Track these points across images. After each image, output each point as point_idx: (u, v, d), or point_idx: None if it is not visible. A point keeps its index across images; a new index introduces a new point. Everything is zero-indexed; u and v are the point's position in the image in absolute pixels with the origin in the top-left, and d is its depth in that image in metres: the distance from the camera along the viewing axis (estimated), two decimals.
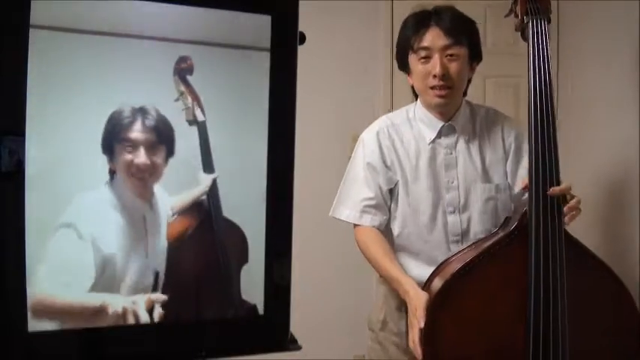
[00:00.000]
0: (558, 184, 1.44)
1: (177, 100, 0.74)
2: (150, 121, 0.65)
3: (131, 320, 0.70)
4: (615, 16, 2.45)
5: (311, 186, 2.24)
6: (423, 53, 1.60)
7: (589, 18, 2.66)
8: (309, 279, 2.35)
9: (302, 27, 0.94)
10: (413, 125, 1.71)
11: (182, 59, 0.73)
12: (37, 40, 0.81)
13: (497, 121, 1.73)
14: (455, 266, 1.47)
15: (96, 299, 0.66)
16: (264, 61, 0.93)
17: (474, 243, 1.57)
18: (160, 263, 0.72)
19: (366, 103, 2.79)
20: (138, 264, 0.68)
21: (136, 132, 0.64)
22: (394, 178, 1.69)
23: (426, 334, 1.40)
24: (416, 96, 1.74)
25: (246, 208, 0.96)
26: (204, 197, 0.80)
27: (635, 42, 2.25)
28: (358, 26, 2.85)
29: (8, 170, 0.79)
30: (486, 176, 1.68)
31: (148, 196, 0.66)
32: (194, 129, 0.79)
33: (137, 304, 0.70)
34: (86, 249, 0.62)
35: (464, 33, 1.62)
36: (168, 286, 0.79)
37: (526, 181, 1.48)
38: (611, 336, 1.45)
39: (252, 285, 0.95)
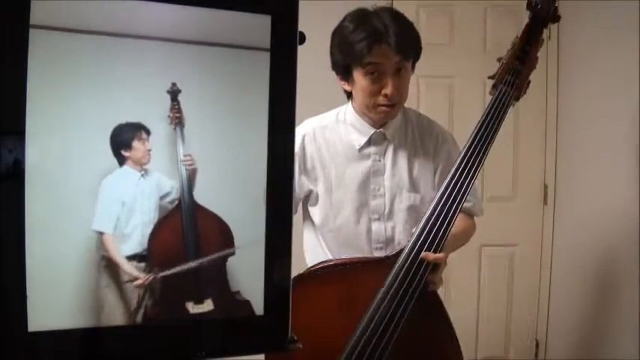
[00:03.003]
0: (437, 249, 1.46)
1: (169, 115, 0.94)
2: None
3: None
4: (615, 16, 2.45)
5: None
6: (372, 69, 1.55)
7: (589, 18, 2.67)
8: None
9: (302, 27, 0.94)
10: (342, 128, 1.69)
11: (173, 85, 0.92)
12: (37, 40, 0.81)
13: (431, 132, 1.71)
14: (322, 265, 1.56)
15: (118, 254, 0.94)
16: (264, 61, 0.93)
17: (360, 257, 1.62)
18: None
19: None
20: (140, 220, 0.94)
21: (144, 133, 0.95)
22: (307, 186, 1.68)
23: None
24: (349, 97, 1.71)
25: (245, 208, 0.96)
26: (176, 186, 0.96)
27: (636, 42, 2.26)
28: None
29: (8, 170, 0.79)
30: (413, 185, 1.67)
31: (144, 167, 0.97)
32: (178, 137, 0.97)
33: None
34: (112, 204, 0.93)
35: (412, 46, 1.59)
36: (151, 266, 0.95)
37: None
38: None
39: (245, 280, 0.97)
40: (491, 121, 1.52)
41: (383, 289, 1.43)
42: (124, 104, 0.90)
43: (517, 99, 1.59)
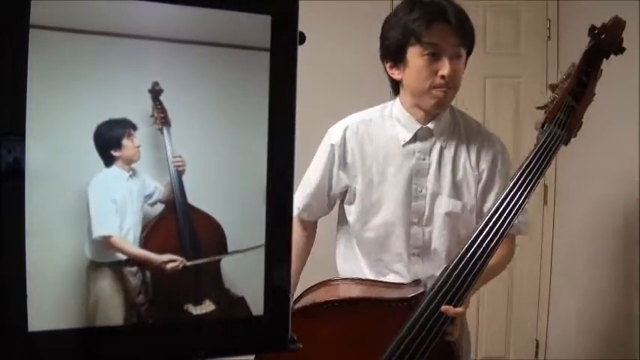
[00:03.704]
0: (460, 303, 1.39)
1: (151, 116, 0.92)
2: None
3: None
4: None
5: None
6: (430, 49, 1.48)
7: (589, 18, 2.66)
8: (310, 279, 2.35)
9: (302, 27, 0.94)
10: (387, 123, 1.61)
11: (155, 84, 0.91)
12: (37, 40, 0.81)
13: (478, 137, 1.63)
14: (333, 294, 1.48)
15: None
16: (264, 61, 0.93)
17: (375, 281, 1.53)
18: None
19: (365, 104, 2.80)
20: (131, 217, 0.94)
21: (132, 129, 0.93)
22: (345, 182, 1.60)
23: None
24: (396, 92, 1.64)
25: (242, 208, 0.96)
26: (160, 188, 0.96)
27: (636, 42, 2.25)
28: (358, 26, 2.85)
29: (8, 170, 0.79)
30: (454, 191, 1.57)
31: (132, 167, 0.95)
32: (165, 137, 0.96)
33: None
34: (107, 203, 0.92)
35: (470, 32, 1.54)
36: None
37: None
38: None
39: (244, 280, 0.97)
40: (534, 169, 1.39)
41: (398, 338, 1.38)
42: (125, 105, 0.90)
43: (566, 142, 1.42)
